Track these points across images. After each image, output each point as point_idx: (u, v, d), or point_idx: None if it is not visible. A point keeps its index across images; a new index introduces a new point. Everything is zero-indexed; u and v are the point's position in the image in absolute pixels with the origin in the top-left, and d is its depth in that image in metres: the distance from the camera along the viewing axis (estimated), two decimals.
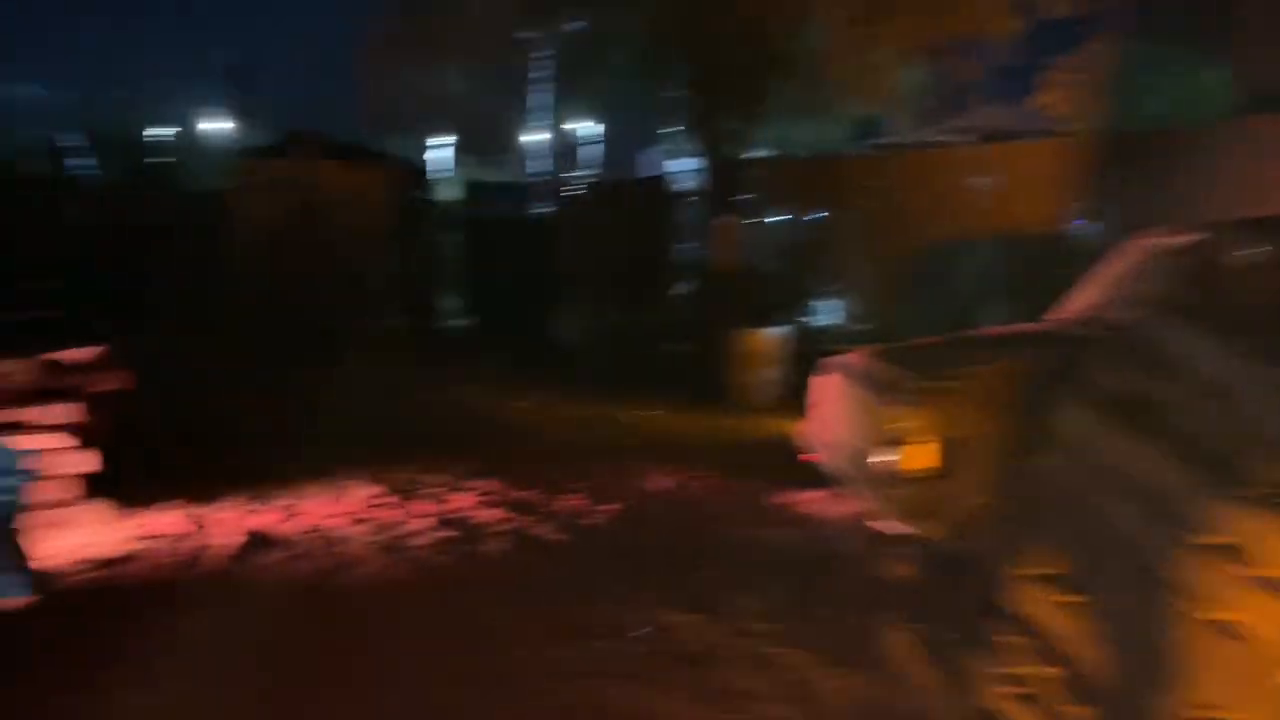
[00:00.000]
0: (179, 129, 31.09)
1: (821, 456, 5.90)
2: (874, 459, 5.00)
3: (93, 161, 26.43)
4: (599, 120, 26.92)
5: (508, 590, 4.46)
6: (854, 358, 5.85)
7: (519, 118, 25.08)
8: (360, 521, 5.41)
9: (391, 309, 13.82)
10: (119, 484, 5.38)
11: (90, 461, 5.15)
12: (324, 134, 13.96)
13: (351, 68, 18.03)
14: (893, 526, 5.09)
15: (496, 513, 5.63)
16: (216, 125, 30.06)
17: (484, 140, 23.76)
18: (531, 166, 25.01)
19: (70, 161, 24.31)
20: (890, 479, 4.98)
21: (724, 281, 11.01)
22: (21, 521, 4.15)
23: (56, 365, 5.28)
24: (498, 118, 23.19)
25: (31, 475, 4.30)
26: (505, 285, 14.36)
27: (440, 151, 24.78)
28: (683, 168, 17.87)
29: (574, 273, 13.90)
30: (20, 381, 5.08)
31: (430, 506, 5.74)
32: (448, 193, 17.56)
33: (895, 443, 4.88)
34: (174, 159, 26.62)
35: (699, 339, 10.61)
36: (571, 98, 23.70)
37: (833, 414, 5.70)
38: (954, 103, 16.68)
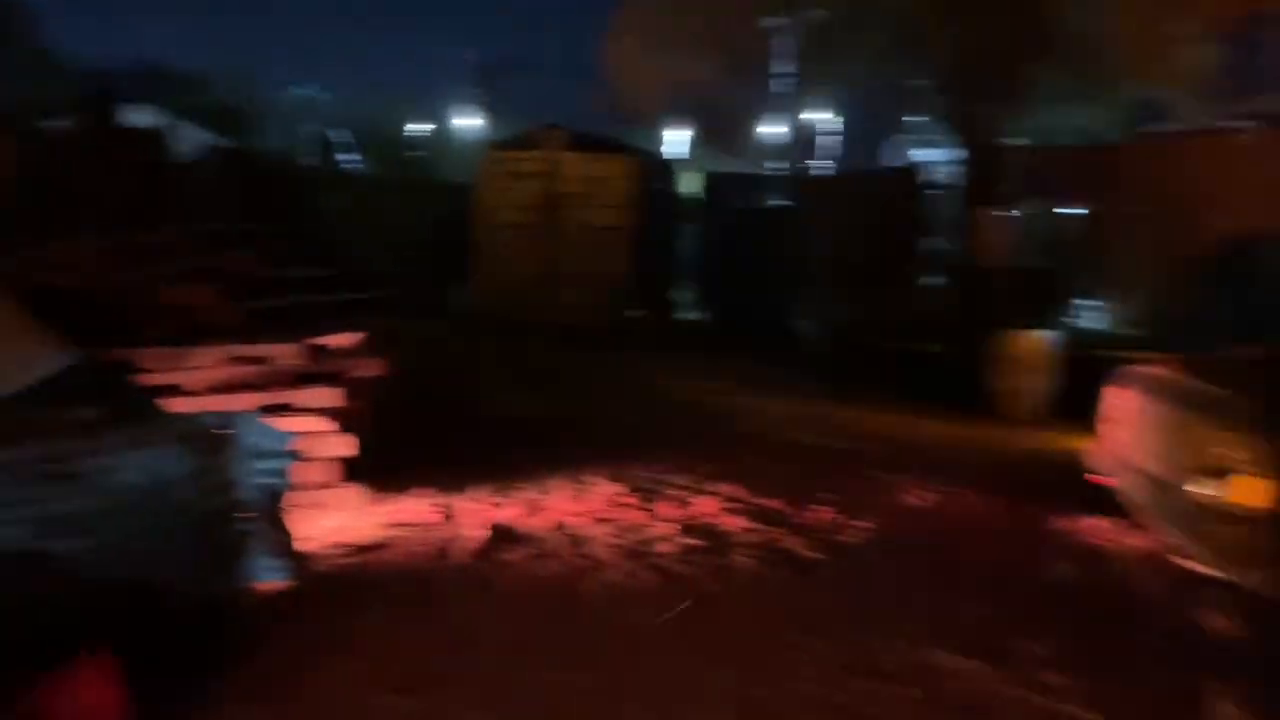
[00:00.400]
0: (435, 125, 32.92)
1: (1115, 480, 5.21)
2: (1190, 490, 4.30)
3: (358, 156, 28.33)
4: (839, 111, 26.19)
5: (763, 612, 4.12)
6: (1161, 369, 5.09)
7: (759, 108, 24.77)
8: (603, 521, 5.23)
9: (632, 300, 13.83)
10: (372, 469, 5.47)
11: (347, 446, 5.24)
12: (568, 127, 14.12)
13: (596, 60, 18.31)
14: (1209, 569, 4.36)
15: (743, 521, 5.30)
16: (468, 121, 31.56)
17: (724, 131, 23.60)
18: (771, 157, 24.64)
19: (340, 156, 26.13)
20: (1210, 515, 4.26)
21: (983, 278, 10.18)
22: (287, 504, 4.21)
23: (322, 349, 5.43)
24: (738, 108, 22.96)
25: (297, 458, 4.38)
26: (743, 278, 14.06)
27: (680, 142, 24.87)
28: (933, 158, 16.91)
29: (815, 266, 13.38)
30: (288, 365, 5.25)
31: (674, 510, 5.49)
32: (688, 184, 17.48)
33: (1219, 473, 4.17)
34: (428, 153, 28.21)
35: (953, 340, 9.88)
36: (814, 87, 23.13)
37: (1133, 433, 4.99)
38: (1247, 84, 14.92)
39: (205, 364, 4.90)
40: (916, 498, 5.94)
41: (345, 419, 5.15)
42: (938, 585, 4.50)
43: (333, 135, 28.47)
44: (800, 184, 18.88)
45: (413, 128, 31.89)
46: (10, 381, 4.29)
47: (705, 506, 5.57)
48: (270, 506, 4.10)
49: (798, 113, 24.76)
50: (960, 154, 12.52)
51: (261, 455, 3.92)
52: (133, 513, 3.64)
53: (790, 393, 9.29)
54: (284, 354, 5.11)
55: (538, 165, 13.73)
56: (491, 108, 32.48)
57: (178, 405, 4.85)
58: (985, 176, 11.23)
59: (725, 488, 5.93)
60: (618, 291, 13.56)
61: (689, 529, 5.14)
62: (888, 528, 5.32)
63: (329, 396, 5.10)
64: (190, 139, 17.55)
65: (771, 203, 16.67)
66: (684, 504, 5.61)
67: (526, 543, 4.85)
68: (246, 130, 27.54)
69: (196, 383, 5.01)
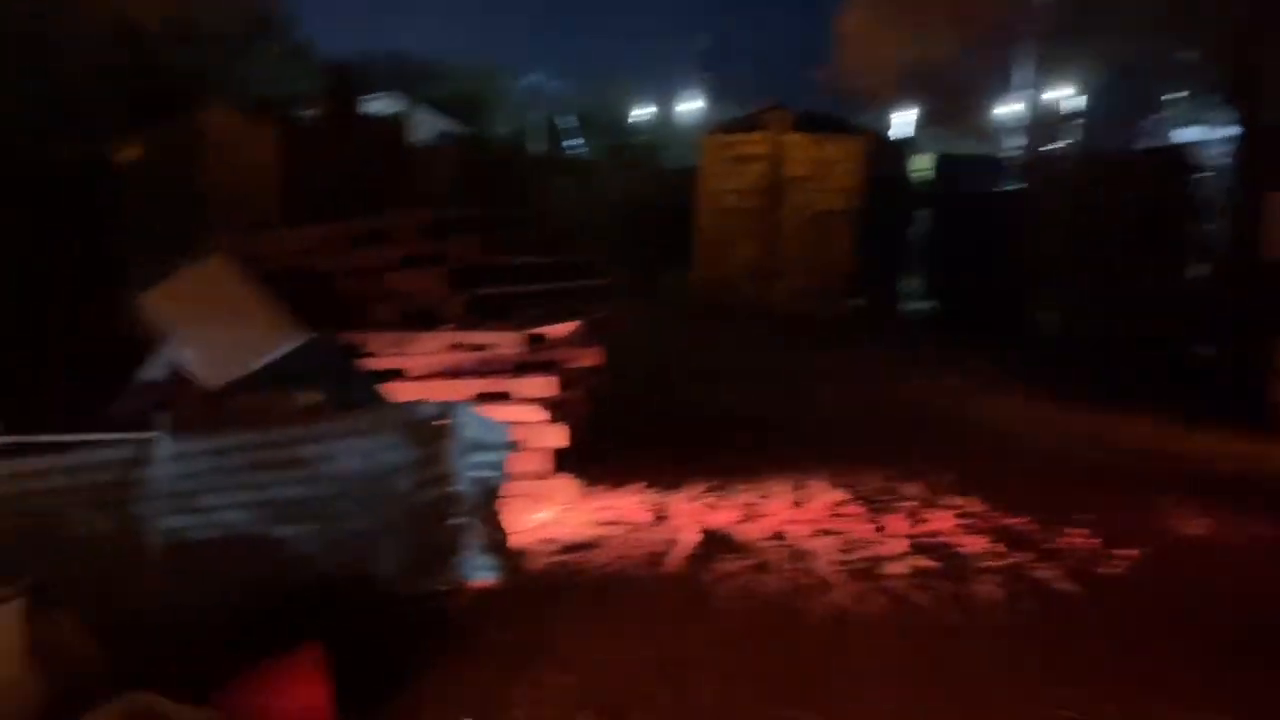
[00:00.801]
0: (659, 110, 33.05)
1: None
2: None
3: (583, 141, 28.83)
4: (1085, 88, 24.16)
5: (1010, 652, 3.62)
6: None
7: (996, 86, 23.23)
8: (825, 533, 4.84)
9: (857, 289, 13.21)
10: (584, 461, 5.34)
11: (561, 436, 5.11)
12: (794, 107, 13.63)
13: (825, 40, 17.66)
14: None
15: (983, 542, 4.77)
16: (692, 105, 31.48)
17: (956, 111, 22.29)
18: (1007, 138, 23.08)
19: (567, 142, 26.62)
20: None
21: (1271, 272, 8.94)
22: (503, 498, 4.09)
23: (540, 338, 5.33)
24: (973, 86, 21.61)
25: (514, 450, 4.26)
26: (975, 266, 13.13)
27: (907, 123, 23.74)
28: (1198, 137, 15.24)
29: (1057, 254, 12.30)
30: (508, 353, 5.17)
31: (903, 524, 5.03)
32: (918, 166, 16.58)
33: None
34: (652, 137, 28.30)
35: (1226, 341, 8.75)
36: (1060, 63, 21.45)
37: None
38: None
39: (426, 350, 4.89)
40: (1191, 524, 5.18)
41: (560, 409, 5.02)
42: (1223, 637, 3.83)
43: (560, 121, 29.16)
44: (1041, 166, 17.51)
45: (638, 113, 32.19)
46: (252, 358, 4.41)
47: (939, 522, 5.07)
48: (486, 501, 3.99)
49: (1038, 91, 23.04)
50: (1234, 132, 11.09)
51: (479, 447, 3.80)
52: (352, 501, 3.61)
53: (1030, 394, 8.49)
54: (503, 341, 5.03)
55: (761, 148, 13.35)
56: (716, 91, 32.28)
57: (400, 390, 4.87)
58: (1274, 156, 9.85)
59: (961, 501, 5.39)
60: (841, 280, 13.00)
61: (922, 548, 4.66)
62: (1158, 560, 4.63)
63: (546, 386, 4.98)
64: (428, 126, 18.30)
65: (1008, 186, 15.54)
66: (915, 518, 5.13)
67: (743, 552, 4.54)
68: (480, 117, 28.64)
69: (418, 368, 5.01)
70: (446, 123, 21.68)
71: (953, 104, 21.55)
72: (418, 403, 4.09)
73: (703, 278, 13.99)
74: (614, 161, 21.53)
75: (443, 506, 3.62)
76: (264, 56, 20.95)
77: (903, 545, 4.69)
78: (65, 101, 10.80)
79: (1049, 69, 21.75)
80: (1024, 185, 14.74)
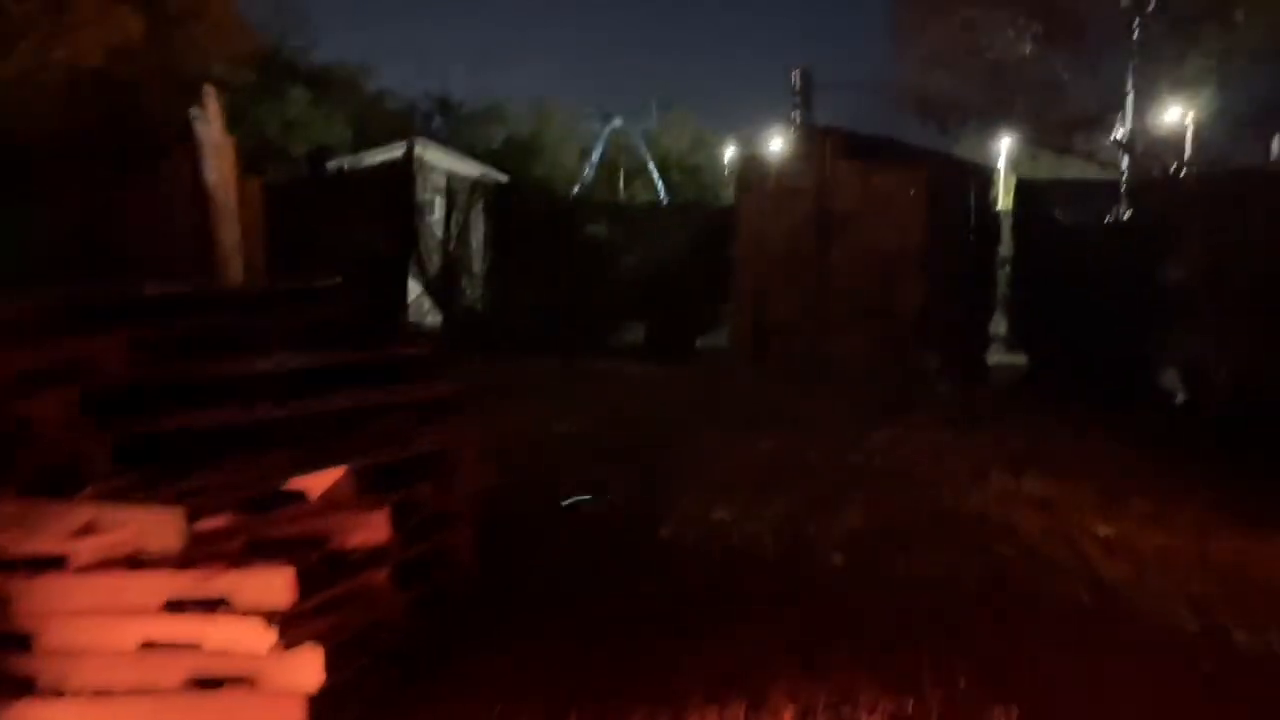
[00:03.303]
0: (747, 146, 30.86)
1: None
2: None
3: (661, 182, 26.86)
4: (1196, 104, 21.15)
5: None
6: None
7: (1098, 102, 20.40)
8: None
9: (927, 343, 10.74)
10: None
11: (311, 672, 2.96)
12: (844, 129, 11.34)
13: (886, 48, 15.30)
14: None
15: None
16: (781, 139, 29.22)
17: (1051, 132, 19.54)
18: (1114, 160, 20.17)
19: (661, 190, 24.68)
20: None
21: None
22: None
23: (273, 502, 3.22)
24: (1071, 103, 18.87)
25: None
26: (1079, 311, 10.54)
27: (999, 148, 21.07)
28: None
29: (1189, 296, 9.70)
30: (213, 530, 3.06)
31: None
32: (1004, 194, 14.00)
33: None
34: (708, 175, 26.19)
35: None
36: (1173, 74, 18.67)
37: None
38: None
39: (56, 533, 2.79)
40: None
41: (306, 624, 2.86)
42: None
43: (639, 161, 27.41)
44: (1157, 190, 14.74)
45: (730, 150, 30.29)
46: None
47: None
48: None
49: (1146, 106, 20.14)
50: None
51: None
52: None
53: (1168, 504, 5.95)
54: (148, 526, 2.84)
55: (806, 180, 11.09)
56: (803, 124, 30.13)
57: (57, 590, 2.83)
58: None
59: None
60: (906, 333, 10.57)
61: None
62: None
63: (272, 585, 2.82)
64: (455, 171, 16.50)
65: (1119, 215, 12.90)
66: None
67: None
68: (532, 162, 27.05)
69: (87, 554, 2.91)
70: (474, 168, 20.02)
71: (1049, 122, 18.81)
72: None
73: (741, 332, 11.74)
74: (658, 203, 19.52)
75: None
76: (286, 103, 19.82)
77: None
78: None
79: (1157, 82, 18.91)
80: (1137, 212, 12.08)
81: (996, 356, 12.36)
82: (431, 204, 14.62)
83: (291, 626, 2.85)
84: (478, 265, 14.35)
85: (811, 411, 8.75)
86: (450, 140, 25.75)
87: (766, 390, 9.89)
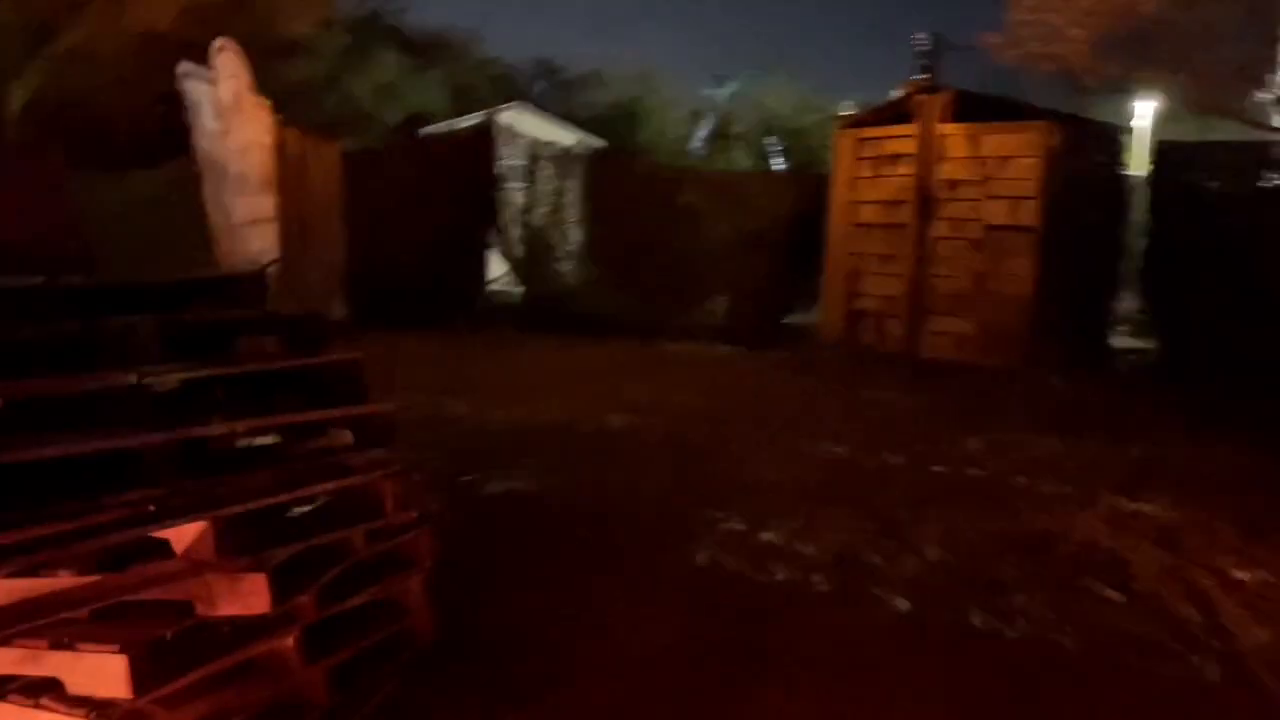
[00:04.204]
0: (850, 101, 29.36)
1: None
2: None
3: (781, 151, 25.80)
4: None
5: None
6: None
7: (1253, 53, 18.28)
8: None
9: (1049, 329, 9.52)
10: None
11: None
12: (953, 87, 10.15)
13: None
14: None
15: None
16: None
17: (1201, 88, 17.60)
18: (1269, 120, 18.10)
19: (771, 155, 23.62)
20: None
21: None
22: None
23: None
24: (1222, 55, 16.91)
25: None
26: (1223, 290, 9.22)
27: (1143, 109, 19.18)
28: None
29: None
30: None
31: None
32: (1140, 158, 12.47)
33: None
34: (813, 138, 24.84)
35: None
36: None
37: None
38: None
39: None
40: None
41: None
42: None
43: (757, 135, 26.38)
44: None
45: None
46: None
47: None
48: None
49: None
50: None
51: None
52: None
53: None
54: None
55: (908, 144, 10.00)
56: (908, 81, 28.48)
57: None
58: None
59: None
60: (1020, 319, 9.43)
61: None
62: None
63: (103, 674, 2.19)
64: (552, 139, 15.85)
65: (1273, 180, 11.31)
66: None
67: None
68: (634, 128, 26.28)
69: None
70: (571, 136, 19.34)
71: (1188, 74, 16.89)
72: None
73: (831, 318, 10.78)
74: (746, 170, 18.46)
75: None
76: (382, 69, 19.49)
77: None
78: None
79: None
80: None
81: (1123, 340, 11.05)
82: (526, 172, 14.03)
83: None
84: (568, 238, 13.69)
85: (898, 407, 7.80)
86: (552, 107, 25.19)
87: (849, 380, 8.95)
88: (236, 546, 2.38)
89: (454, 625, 3.40)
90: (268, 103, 6.46)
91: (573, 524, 4.93)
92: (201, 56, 13.82)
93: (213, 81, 4.88)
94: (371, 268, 12.69)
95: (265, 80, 15.35)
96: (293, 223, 11.96)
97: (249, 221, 5.55)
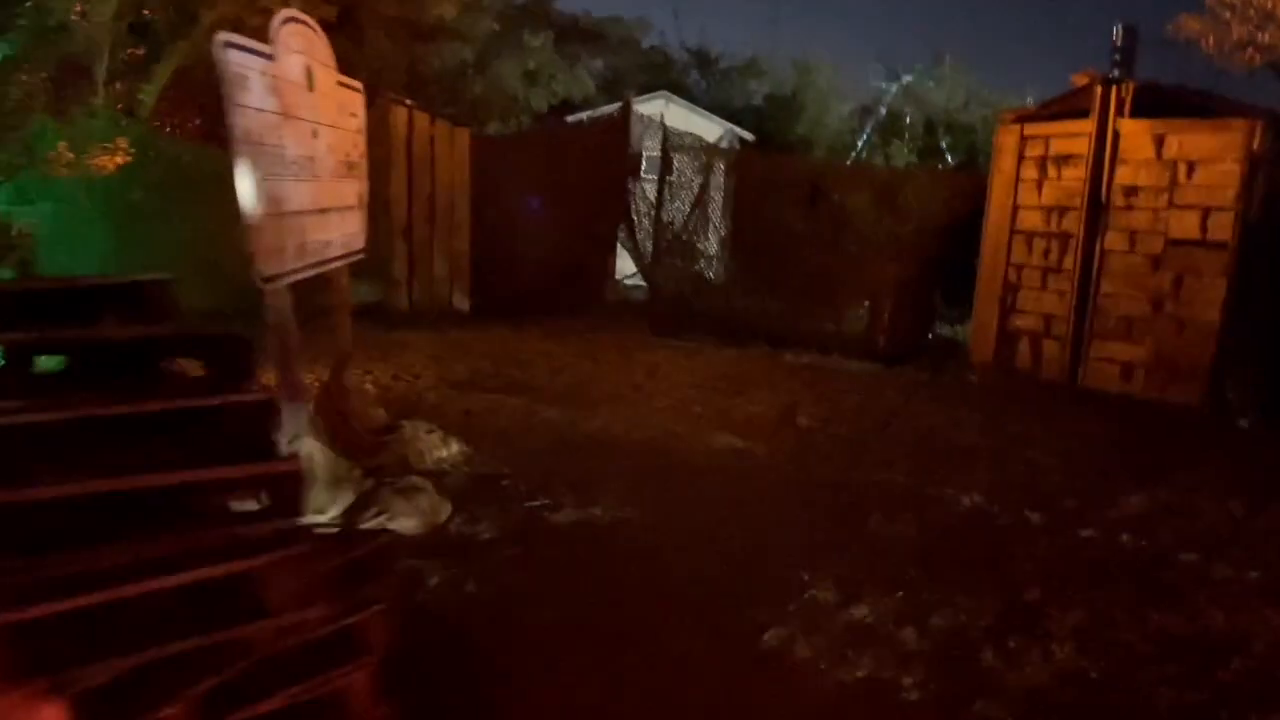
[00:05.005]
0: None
1: None
2: None
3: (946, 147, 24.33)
4: None
5: None
6: None
7: None
8: None
9: (1243, 368, 8.15)
10: None
11: None
12: (1139, 79, 8.85)
13: None
14: None
15: None
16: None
17: None
18: None
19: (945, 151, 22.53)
20: None
21: None
22: None
23: None
24: None
25: None
26: None
27: None
28: None
29: None
30: None
31: None
32: None
33: None
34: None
35: None
36: None
37: None
38: None
39: None
40: None
41: None
42: None
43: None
44: None
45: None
46: None
47: None
48: None
49: None
50: None
51: None
52: None
53: None
54: None
55: (1080, 143, 8.80)
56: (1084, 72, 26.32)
57: None
58: None
59: None
60: (1201, 349, 8.13)
61: None
62: None
63: None
64: (699, 131, 15.13)
65: None
66: None
67: None
68: (794, 119, 25.26)
69: None
70: (720, 128, 18.53)
71: None
72: None
73: (981, 336, 9.68)
74: (913, 168, 17.20)
75: None
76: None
77: None
78: None
79: None
80: None
81: None
82: (665, 165, 13.38)
83: None
84: (705, 235, 12.97)
85: (1047, 448, 6.75)
86: (704, 97, 24.48)
87: (994, 410, 7.92)
88: (29, 662, 1.80)
89: None
90: (356, 83, 6.00)
91: (635, 574, 4.27)
92: (347, 36, 13.78)
93: (269, 55, 4.40)
94: (496, 259, 12.35)
95: (408, 63, 15.34)
96: (416, 209, 11.81)
97: (316, 210, 5.09)
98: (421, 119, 11.57)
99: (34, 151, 5.86)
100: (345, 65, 12.62)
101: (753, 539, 4.77)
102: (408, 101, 11.17)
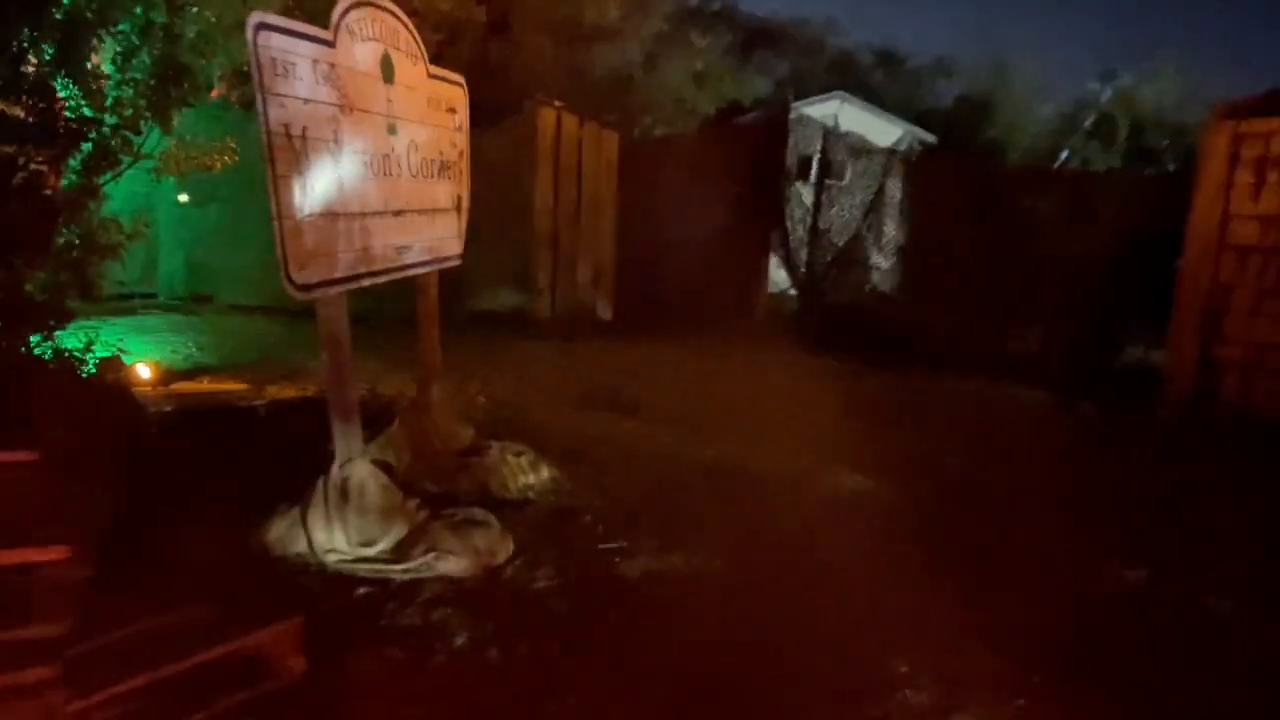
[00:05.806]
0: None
1: None
2: None
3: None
4: None
5: None
6: None
7: None
8: None
9: None
10: None
11: None
12: None
13: None
14: None
15: None
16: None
17: None
18: None
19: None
20: None
21: None
22: None
23: None
24: None
25: None
26: None
27: None
28: None
29: None
30: None
31: None
32: None
33: None
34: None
35: None
36: None
37: None
38: None
39: None
40: None
41: None
42: None
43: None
44: None
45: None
46: None
47: None
48: None
49: None
50: None
51: None
52: None
53: None
54: None
55: None
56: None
57: None
58: None
59: None
60: None
61: None
62: None
63: None
64: (873, 135, 14.19)
65: None
66: None
67: None
68: (986, 122, 23.61)
69: None
70: (897, 130, 17.36)
71: None
72: None
73: (1179, 366, 8.33)
74: (1114, 173, 15.47)
75: None
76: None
77: None
78: None
79: None
80: None
81: None
82: (834, 169, 12.52)
83: None
84: (873, 246, 12.03)
85: (1244, 513, 5.55)
86: (888, 98, 23.22)
87: (1183, 460, 6.69)
88: None
89: None
90: (457, 76, 5.58)
91: (690, 650, 3.57)
92: (503, 36, 13.63)
93: (327, 42, 3.98)
94: (641, 267, 11.84)
95: (568, 65, 15.07)
96: (561, 215, 11.40)
97: (389, 212, 4.67)
98: (570, 121, 11.18)
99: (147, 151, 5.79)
100: (499, 66, 12.46)
101: (851, 612, 3.97)
102: (557, 103, 10.78)
